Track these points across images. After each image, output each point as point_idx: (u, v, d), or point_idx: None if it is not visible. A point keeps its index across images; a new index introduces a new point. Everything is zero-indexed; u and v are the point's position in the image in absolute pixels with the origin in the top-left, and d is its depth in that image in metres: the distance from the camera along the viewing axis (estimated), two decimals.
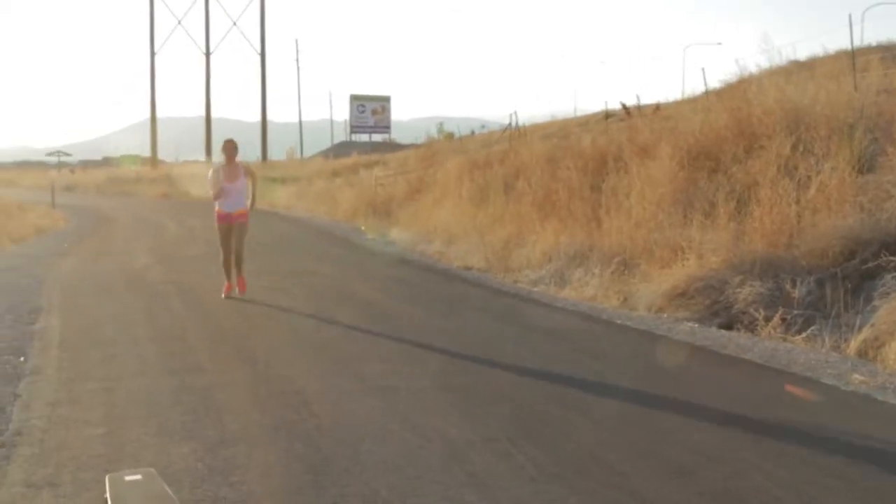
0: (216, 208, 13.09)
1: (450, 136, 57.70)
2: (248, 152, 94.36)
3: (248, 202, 13.25)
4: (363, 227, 26.11)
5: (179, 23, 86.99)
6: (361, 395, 7.40)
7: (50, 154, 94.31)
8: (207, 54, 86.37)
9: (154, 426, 6.49)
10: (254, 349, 9.43)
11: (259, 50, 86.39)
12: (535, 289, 13.85)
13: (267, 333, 10.40)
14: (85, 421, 6.66)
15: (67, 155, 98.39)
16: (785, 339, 9.34)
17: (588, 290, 12.89)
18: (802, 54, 26.11)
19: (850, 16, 20.44)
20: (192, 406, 7.02)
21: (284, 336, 10.22)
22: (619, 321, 10.94)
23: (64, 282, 14.91)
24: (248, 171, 13.32)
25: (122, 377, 8.09)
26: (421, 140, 61.47)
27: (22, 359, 8.87)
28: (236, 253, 13.07)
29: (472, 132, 54.51)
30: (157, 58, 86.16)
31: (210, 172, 13.19)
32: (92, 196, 56.24)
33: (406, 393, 7.42)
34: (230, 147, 13.15)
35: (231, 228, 13.03)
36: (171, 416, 6.77)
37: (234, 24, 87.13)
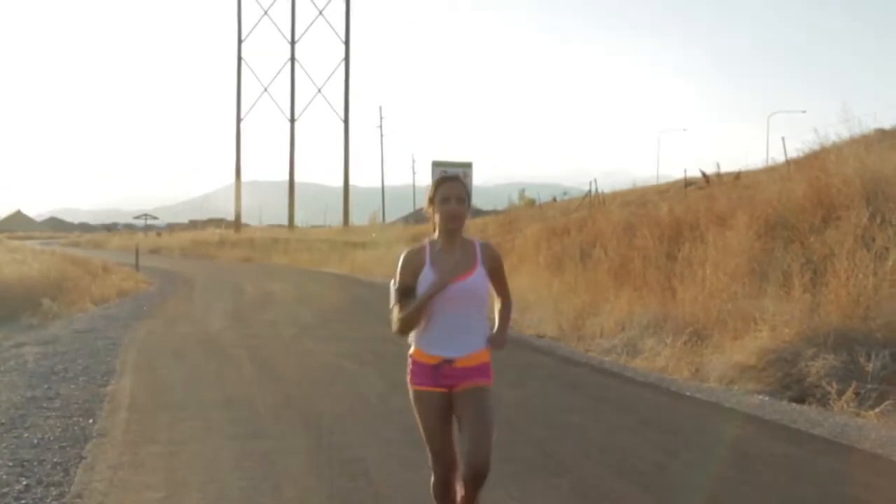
0: (412, 350, 5.35)
1: (530, 202, 57.77)
2: (331, 217, 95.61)
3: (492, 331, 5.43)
4: None
5: (266, 90, 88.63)
6: (422, 464, 7.34)
7: (137, 217, 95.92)
8: (292, 120, 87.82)
9: (213, 492, 6.53)
10: (318, 415, 9.44)
11: (343, 116, 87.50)
12: (607, 358, 13.72)
13: (333, 400, 10.39)
14: (146, 485, 6.72)
15: (154, 218, 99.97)
16: (857, 415, 9.13)
17: (659, 360, 12.74)
18: (887, 123, 25.72)
19: None
20: (252, 472, 7.04)
21: (351, 403, 10.20)
22: (688, 393, 10.78)
23: (139, 344, 15.08)
24: (491, 257, 5.35)
25: (186, 441, 8.15)
26: (502, 206, 61.64)
27: (91, 420, 8.99)
28: (473, 464, 5.07)
29: (554, 199, 54.45)
30: (243, 123, 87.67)
31: (401, 260, 5.26)
32: (176, 258, 57.11)
33: None
34: (454, 190, 5.15)
35: (451, 403, 5.26)
36: (231, 481, 6.81)
37: (319, 91, 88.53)
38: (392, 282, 5.09)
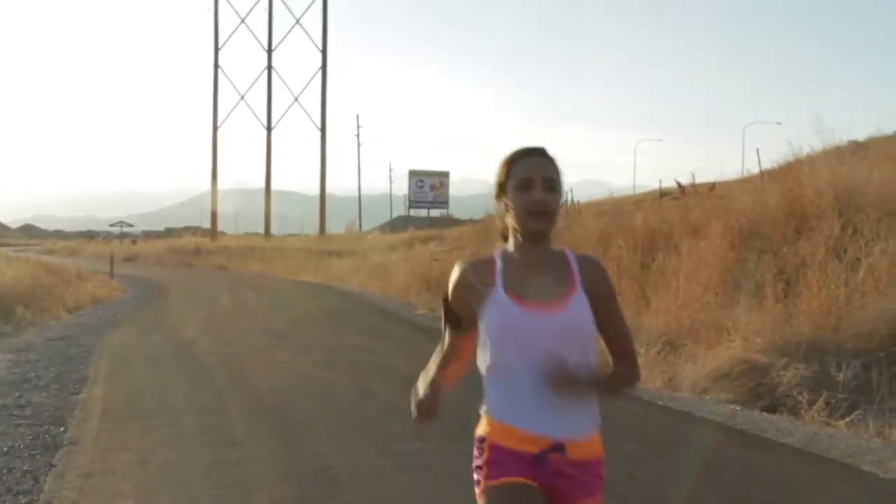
0: (482, 427, 3.35)
1: None
2: (308, 226, 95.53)
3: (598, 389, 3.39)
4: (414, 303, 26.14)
5: (242, 98, 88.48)
6: (393, 472, 7.38)
7: (113, 224, 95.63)
8: (269, 128, 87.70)
9: (184, 500, 6.54)
10: (291, 424, 9.44)
11: (319, 125, 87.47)
12: None
13: (306, 408, 10.38)
14: (116, 493, 6.71)
15: (130, 225, 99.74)
16: (828, 424, 9.18)
17: None
18: (860, 134, 25.99)
19: None
20: (223, 480, 7.04)
21: (323, 412, 10.20)
22: (660, 402, 10.81)
23: (113, 352, 15.02)
24: (596, 276, 3.35)
25: (157, 449, 8.13)
26: (478, 216, 61.71)
27: (62, 428, 8.95)
28: None
29: None
30: (220, 131, 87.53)
31: (454, 278, 3.39)
32: (151, 266, 56.88)
33: (439, 471, 7.39)
34: (539, 169, 3.27)
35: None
36: (202, 489, 6.80)
37: (296, 99, 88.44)
38: (454, 286, 3.35)
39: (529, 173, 3.20)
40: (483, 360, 3.29)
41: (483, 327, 3.25)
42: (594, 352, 3.26)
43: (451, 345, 3.46)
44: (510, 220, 3.26)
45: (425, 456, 7.88)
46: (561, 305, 3.18)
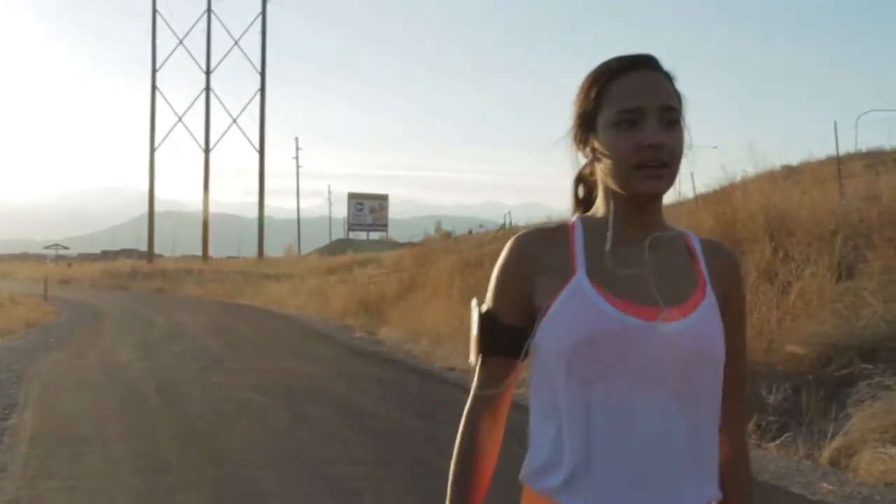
0: (536, 499, 1.98)
1: (446, 234, 58.03)
2: (246, 248, 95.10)
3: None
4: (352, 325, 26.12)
5: (180, 119, 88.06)
6: (325, 498, 7.35)
7: (48, 247, 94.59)
8: (207, 150, 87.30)
9: None
10: (223, 449, 9.35)
11: (258, 147, 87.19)
12: (519, 391, 13.76)
13: (239, 433, 10.30)
14: None
15: (65, 248, 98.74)
16: (759, 446, 9.26)
17: None
18: (794, 159, 26.45)
19: (835, 122, 20.74)
20: None
21: (256, 436, 10.12)
22: None
23: (44, 377, 14.80)
24: (728, 269, 2.11)
25: (86, 475, 8.02)
26: (418, 238, 61.78)
27: None
28: None
29: (470, 231, 54.70)
30: (157, 152, 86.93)
31: (504, 257, 2.05)
32: (86, 290, 56.26)
33: (371, 497, 7.37)
34: (650, 91, 1.96)
35: None
36: None
37: (234, 121, 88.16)
38: (475, 310, 2.06)
39: (639, 100, 1.94)
40: (540, 396, 1.99)
41: (546, 341, 1.94)
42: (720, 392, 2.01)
43: (495, 391, 2.04)
44: (601, 174, 2.03)
45: (359, 481, 7.86)
46: (682, 311, 1.93)
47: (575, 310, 1.92)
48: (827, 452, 8.68)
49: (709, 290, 2.01)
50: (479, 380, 2.06)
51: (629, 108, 1.94)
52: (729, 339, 2.01)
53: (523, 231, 2.06)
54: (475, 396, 2.07)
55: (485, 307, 2.04)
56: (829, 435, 8.92)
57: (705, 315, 1.96)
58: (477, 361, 2.06)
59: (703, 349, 1.94)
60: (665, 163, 1.93)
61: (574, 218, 2.09)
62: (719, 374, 1.98)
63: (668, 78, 2.01)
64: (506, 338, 2.00)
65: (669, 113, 1.95)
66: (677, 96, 2.00)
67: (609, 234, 1.99)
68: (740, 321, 2.12)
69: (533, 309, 1.99)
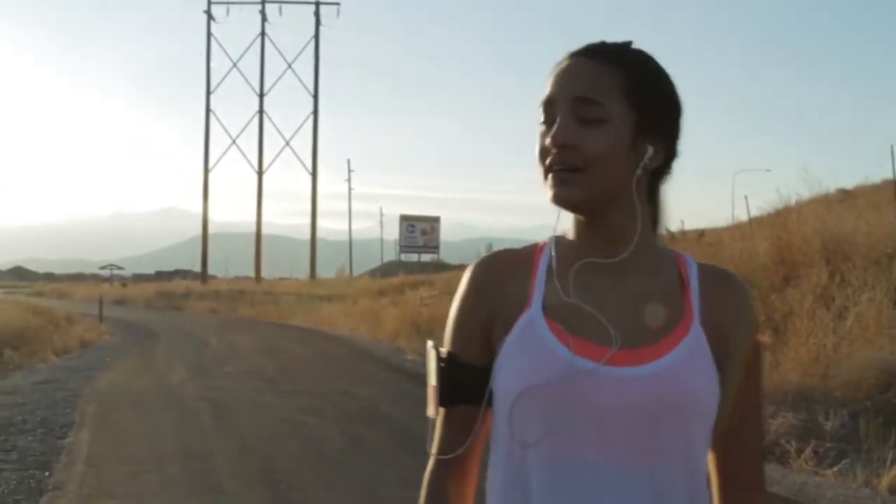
0: None
1: None
2: (298, 269, 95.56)
3: None
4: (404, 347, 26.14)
5: (234, 142, 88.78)
6: None
7: (103, 267, 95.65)
8: (260, 172, 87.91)
9: None
10: (277, 470, 9.39)
11: (311, 169, 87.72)
12: None
13: (293, 455, 10.34)
14: None
15: (120, 269, 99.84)
16: (816, 473, 9.16)
17: None
18: (849, 183, 26.31)
19: (892, 146, 20.53)
20: None
21: (310, 457, 10.16)
22: None
23: (100, 396, 14.95)
24: (730, 306, 1.70)
25: (142, 495, 8.10)
26: (469, 261, 61.74)
27: (47, 473, 8.91)
28: None
29: None
30: (211, 174, 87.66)
31: (463, 286, 1.81)
32: (141, 310, 56.78)
33: None
34: (568, 83, 1.65)
35: None
36: None
37: (287, 143, 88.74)
38: (431, 352, 1.75)
39: (551, 91, 1.67)
40: (493, 463, 1.71)
41: (494, 390, 1.66)
42: (705, 454, 1.69)
43: (460, 450, 1.71)
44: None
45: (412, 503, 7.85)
46: (655, 352, 1.60)
47: (521, 351, 1.62)
48: (886, 480, 8.56)
49: (695, 327, 1.63)
50: (442, 438, 1.73)
51: (542, 101, 1.68)
52: (730, 389, 1.65)
53: (486, 254, 1.81)
54: (437, 462, 1.73)
55: (444, 348, 1.74)
56: (888, 462, 8.79)
57: (684, 357, 1.59)
58: (437, 415, 1.73)
59: (675, 399, 1.57)
60: (574, 166, 1.61)
61: (548, 238, 1.76)
62: (702, 433, 1.62)
63: (605, 63, 1.64)
64: (469, 381, 1.67)
65: (584, 107, 1.61)
66: (607, 83, 1.62)
67: (552, 253, 1.71)
68: (750, 369, 1.69)
69: (490, 344, 1.71)
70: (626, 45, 1.68)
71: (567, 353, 1.56)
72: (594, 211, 1.65)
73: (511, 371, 1.61)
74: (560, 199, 1.63)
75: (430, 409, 1.72)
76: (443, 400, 1.70)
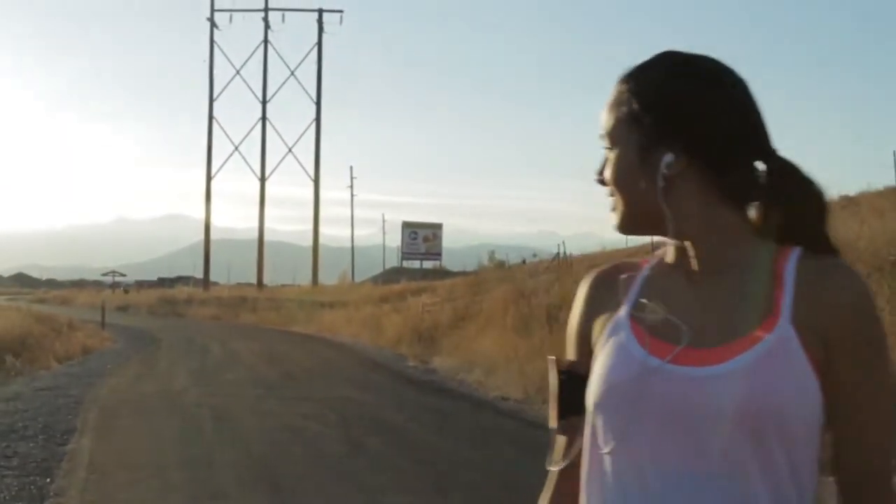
0: None
1: (500, 264, 58.06)
2: (300, 276, 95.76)
3: None
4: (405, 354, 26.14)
5: (237, 148, 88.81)
6: None
7: (105, 274, 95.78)
8: (262, 179, 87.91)
9: None
10: (279, 476, 9.39)
11: (313, 175, 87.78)
12: None
13: (295, 461, 10.34)
14: None
15: (122, 275, 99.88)
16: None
17: None
18: (852, 189, 26.26)
19: (894, 152, 20.51)
20: None
21: (312, 464, 10.16)
22: None
23: (102, 403, 14.96)
24: (846, 311, 1.49)
25: (144, 502, 8.10)
26: (471, 268, 61.78)
27: (48, 480, 8.91)
28: None
29: (523, 261, 54.53)
30: (213, 181, 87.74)
31: (577, 300, 1.78)
32: (143, 316, 56.81)
33: None
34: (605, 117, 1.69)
35: None
36: None
37: (290, 150, 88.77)
38: (552, 366, 1.72)
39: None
40: (582, 463, 1.67)
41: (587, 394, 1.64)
42: (812, 476, 1.51)
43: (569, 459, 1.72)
44: None
45: None
46: (727, 352, 1.51)
47: (603, 353, 1.62)
48: None
49: (781, 325, 1.49)
50: (559, 450, 1.74)
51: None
52: (837, 394, 1.49)
53: (597, 271, 1.79)
54: (553, 474, 1.76)
55: (566, 361, 1.74)
56: None
57: (761, 358, 1.47)
58: (558, 426, 1.72)
59: (745, 402, 1.45)
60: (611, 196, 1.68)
61: (659, 253, 1.74)
62: (790, 443, 1.46)
63: (630, 88, 1.65)
64: (582, 391, 1.65)
65: (605, 141, 1.67)
66: (624, 109, 1.64)
67: (651, 264, 1.73)
68: (862, 373, 1.50)
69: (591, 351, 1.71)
70: (650, 60, 1.68)
71: (641, 353, 1.55)
72: (645, 229, 1.68)
73: (594, 373, 1.61)
74: (614, 227, 1.68)
75: (552, 421, 1.72)
76: (561, 411, 1.70)
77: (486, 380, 18.38)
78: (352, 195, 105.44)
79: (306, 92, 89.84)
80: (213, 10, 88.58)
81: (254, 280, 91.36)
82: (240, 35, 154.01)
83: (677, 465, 1.49)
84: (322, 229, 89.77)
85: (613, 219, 1.66)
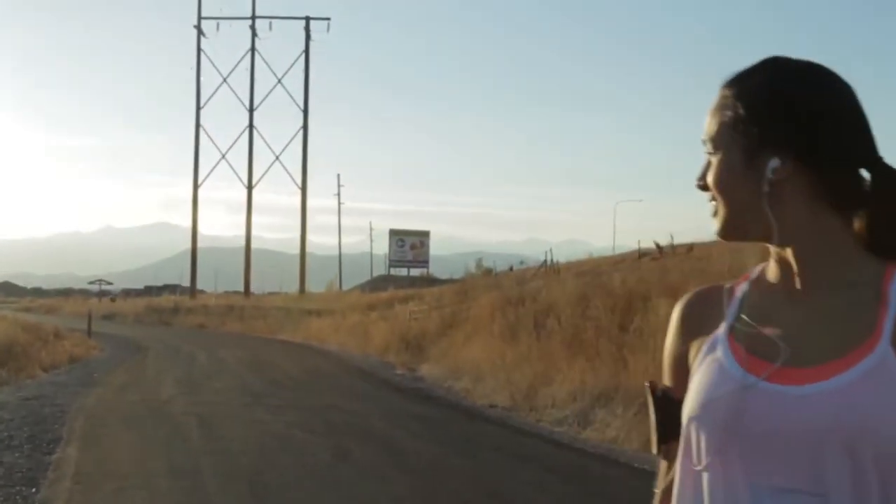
0: None
1: (487, 271, 58.11)
2: (287, 284, 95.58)
3: None
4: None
5: (224, 156, 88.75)
6: None
7: (91, 282, 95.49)
8: (249, 187, 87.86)
9: None
10: (265, 485, 9.38)
11: (300, 184, 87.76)
12: (557, 429, 13.73)
13: (281, 470, 10.32)
14: None
15: (109, 284, 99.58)
16: None
17: (610, 431, 12.77)
18: None
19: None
20: None
21: (298, 473, 10.13)
22: (636, 464, 10.78)
23: (88, 412, 14.91)
24: None
25: None
26: (459, 275, 61.81)
27: (34, 490, 8.88)
28: None
29: (510, 268, 54.68)
30: (200, 189, 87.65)
31: (672, 323, 1.75)
32: (130, 325, 56.64)
33: None
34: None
35: None
36: None
37: (277, 158, 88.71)
38: (649, 392, 1.71)
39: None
40: (675, 482, 1.65)
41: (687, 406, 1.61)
42: None
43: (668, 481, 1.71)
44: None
45: None
46: (822, 373, 1.48)
47: (700, 371, 1.60)
48: None
49: (882, 347, 1.46)
50: (662, 474, 1.74)
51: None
52: None
53: (695, 291, 1.76)
54: (657, 495, 1.77)
55: (661, 387, 1.72)
56: None
57: (858, 379, 1.44)
58: (660, 452, 1.71)
59: (837, 424, 1.42)
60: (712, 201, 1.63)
61: (754, 271, 1.71)
62: (887, 463, 1.42)
63: (735, 94, 1.63)
64: (680, 415, 1.62)
65: (706, 146, 1.64)
66: (725, 116, 1.61)
67: (749, 280, 1.69)
68: None
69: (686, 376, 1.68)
70: (755, 65, 1.65)
71: (738, 370, 1.53)
72: (747, 236, 1.62)
73: (691, 389, 1.59)
74: (716, 232, 1.65)
75: (653, 448, 1.70)
76: (660, 436, 1.68)
77: (474, 387, 18.39)
78: (339, 203, 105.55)
79: (293, 100, 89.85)
80: (199, 18, 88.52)
81: (241, 288, 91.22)
82: (227, 43, 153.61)
83: (770, 483, 1.47)
84: (309, 237, 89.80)
85: (715, 224, 1.63)
